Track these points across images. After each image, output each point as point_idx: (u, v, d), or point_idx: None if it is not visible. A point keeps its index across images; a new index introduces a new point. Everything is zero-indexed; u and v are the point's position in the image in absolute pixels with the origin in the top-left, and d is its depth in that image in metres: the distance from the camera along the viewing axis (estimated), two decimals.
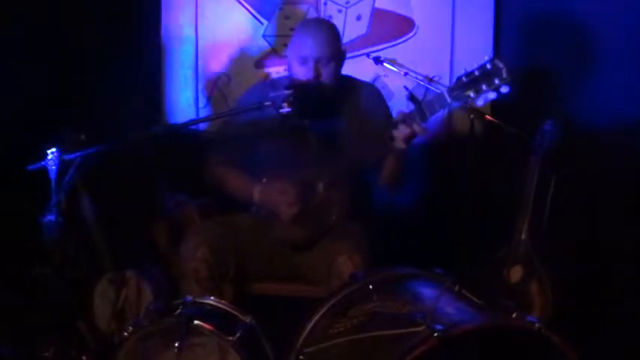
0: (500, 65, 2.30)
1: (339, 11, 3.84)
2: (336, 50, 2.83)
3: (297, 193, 2.72)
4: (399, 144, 2.59)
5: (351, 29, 3.83)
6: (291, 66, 2.86)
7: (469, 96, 2.34)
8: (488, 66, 2.31)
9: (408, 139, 2.58)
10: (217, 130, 3.17)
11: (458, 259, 2.96)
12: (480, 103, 2.35)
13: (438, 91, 2.49)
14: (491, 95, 2.32)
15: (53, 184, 2.60)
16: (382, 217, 3.00)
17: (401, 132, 2.56)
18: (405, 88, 2.60)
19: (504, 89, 2.30)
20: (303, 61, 2.79)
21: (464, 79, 2.36)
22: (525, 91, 3.35)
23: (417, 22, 3.80)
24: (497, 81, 2.30)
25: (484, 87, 2.32)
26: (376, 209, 2.99)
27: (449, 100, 2.42)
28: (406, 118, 2.54)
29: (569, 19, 3.52)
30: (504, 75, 2.29)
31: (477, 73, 2.33)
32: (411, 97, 2.51)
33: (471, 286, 2.21)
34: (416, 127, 2.53)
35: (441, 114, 2.88)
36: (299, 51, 2.81)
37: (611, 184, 3.35)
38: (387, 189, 2.86)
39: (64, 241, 2.74)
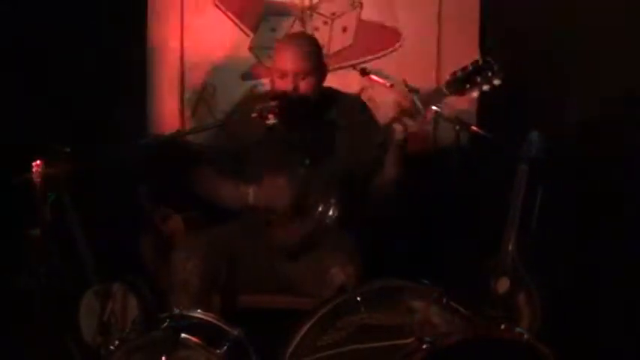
0: (492, 61, 2.44)
1: (325, 23, 3.84)
2: (315, 64, 2.81)
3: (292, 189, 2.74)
4: (399, 135, 2.63)
5: (336, 41, 3.83)
6: (273, 79, 2.86)
7: (465, 87, 2.46)
8: (480, 61, 2.45)
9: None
10: (205, 142, 3.16)
11: (445, 271, 2.96)
12: (475, 94, 2.47)
13: (420, 106, 2.57)
14: (485, 87, 2.43)
15: (38, 196, 2.59)
16: (370, 228, 3.00)
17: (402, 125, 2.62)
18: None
19: (497, 82, 2.43)
20: (282, 74, 2.79)
21: (459, 73, 2.47)
22: (510, 102, 3.36)
23: (404, 33, 3.81)
24: (490, 74, 2.43)
25: (479, 79, 2.44)
26: (365, 220, 2.99)
27: (445, 92, 2.50)
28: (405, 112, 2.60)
29: (552, 33, 3.54)
30: (496, 68, 2.42)
31: (470, 67, 2.45)
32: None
33: (459, 297, 2.21)
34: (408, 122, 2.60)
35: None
36: (278, 64, 2.81)
37: (597, 193, 3.36)
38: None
39: (49, 254, 2.73)
